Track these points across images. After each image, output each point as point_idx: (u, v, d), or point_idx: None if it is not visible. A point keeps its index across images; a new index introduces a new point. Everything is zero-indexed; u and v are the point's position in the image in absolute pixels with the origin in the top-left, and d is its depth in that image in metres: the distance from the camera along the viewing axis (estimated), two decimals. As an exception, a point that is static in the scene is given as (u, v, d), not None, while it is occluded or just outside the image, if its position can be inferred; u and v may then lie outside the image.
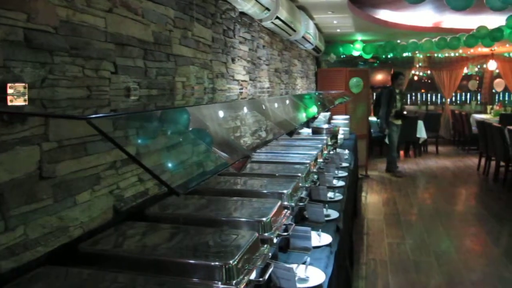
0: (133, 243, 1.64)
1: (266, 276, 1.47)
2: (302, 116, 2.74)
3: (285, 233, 1.84)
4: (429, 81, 14.31)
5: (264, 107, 1.99)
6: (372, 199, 6.99)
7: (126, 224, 1.80)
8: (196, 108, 1.33)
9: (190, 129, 1.12)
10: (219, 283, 1.34)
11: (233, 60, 3.32)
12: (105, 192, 1.78)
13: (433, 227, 5.59)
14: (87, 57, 1.64)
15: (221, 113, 1.46)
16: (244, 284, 1.36)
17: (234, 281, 1.34)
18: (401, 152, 11.00)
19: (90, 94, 1.67)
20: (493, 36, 7.91)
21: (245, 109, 1.83)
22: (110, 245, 1.60)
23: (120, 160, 1.84)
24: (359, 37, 9.59)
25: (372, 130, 9.68)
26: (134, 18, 1.93)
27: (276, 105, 2.28)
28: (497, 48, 11.54)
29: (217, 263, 1.36)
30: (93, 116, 0.88)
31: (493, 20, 7.88)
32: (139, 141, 1.10)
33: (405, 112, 9.97)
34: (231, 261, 1.35)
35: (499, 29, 7.84)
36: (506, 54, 12.88)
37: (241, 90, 3.51)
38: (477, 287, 3.93)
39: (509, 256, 4.60)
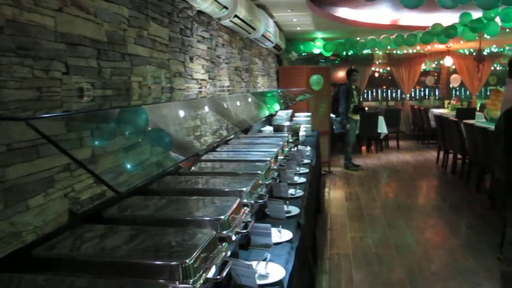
0: (91, 246, 1.62)
1: (224, 274, 1.47)
2: (259, 114, 2.75)
3: (244, 231, 1.84)
4: (389, 77, 14.60)
5: (218, 106, 1.99)
6: (335, 194, 7.09)
7: (83, 227, 1.77)
8: (148, 108, 1.32)
9: (139, 128, 1.11)
10: (176, 282, 1.34)
11: (191, 59, 3.30)
12: (60, 195, 1.74)
13: (395, 220, 5.72)
14: (36, 57, 1.60)
15: (173, 112, 1.45)
16: (201, 282, 1.36)
17: (191, 280, 1.34)
18: (363, 148, 11.20)
19: (40, 96, 1.63)
20: (448, 33, 8.14)
21: (199, 108, 1.82)
22: (66, 249, 1.57)
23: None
24: (319, 35, 9.69)
25: (334, 127, 9.81)
26: (85, 17, 1.89)
27: (231, 103, 2.28)
28: (453, 45, 11.89)
29: (173, 262, 1.35)
30: (32, 117, 0.86)
31: (448, 18, 8.12)
32: (89, 141, 1.08)
33: (366, 108, 10.17)
34: (187, 260, 1.35)
35: (453, 27, 8.08)
36: (461, 51, 13.28)
37: (200, 89, 3.49)
38: (436, 277, 4.04)
39: (467, 246, 4.75)
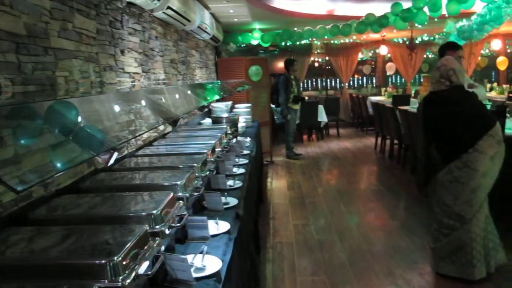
0: (17, 249, 1.54)
1: (155, 269, 1.45)
2: (189, 105, 2.72)
3: (178, 224, 1.82)
4: (328, 67, 14.88)
5: (144, 98, 1.94)
6: (277, 184, 7.17)
7: (8, 230, 1.68)
8: (68, 102, 1.27)
9: (49, 124, 1.06)
10: (105, 281, 1.31)
11: (122, 52, 3.21)
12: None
13: (336, 206, 5.85)
14: None
15: (90, 106, 1.40)
16: (132, 279, 1.33)
17: (120, 277, 1.31)
18: (304, 137, 11.37)
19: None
20: (380, 22, 8.38)
21: (121, 101, 1.77)
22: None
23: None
24: (257, 25, 9.72)
25: (275, 117, 9.90)
26: (0, 9, 1.79)
27: (158, 95, 2.24)
28: (387, 34, 12.25)
29: (101, 261, 1.32)
30: None
31: (381, 8, 8.35)
32: None
33: (306, 98, 10.32)
34: (115, 258, 1.31)
35: (385, 16, 8.33)
36: (395, 40, 13.73)
37: (134, 83, 3.41)
38: (376, 258, 4.17)
39: (404, 228, 4.93)
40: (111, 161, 1.24)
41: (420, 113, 3.89)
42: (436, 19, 8.40)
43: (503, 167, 3.58)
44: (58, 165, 0.97)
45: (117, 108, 1.62)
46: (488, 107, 4.50)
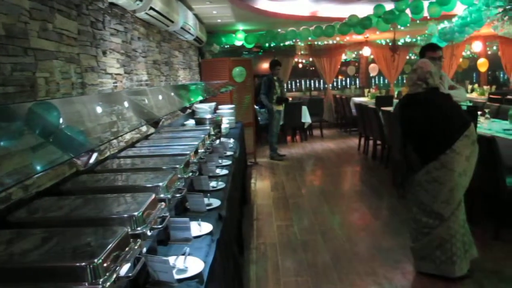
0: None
1: (136, 271, 1.44)
2: (171, 106, 2.72)
3: (160, 226, 1.82)
4: (312, 68, 14.94)
5: (127, 100, 1.93)
6: (261, 185, 7.18)
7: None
8: (46, 103, 1.26)
9: (32, 126, 1.05)
10: (85, 283, 1.30)
11: (104, 53, 3.19)
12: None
13: (319, 207, 5.88)
14: None
15: (73, 108, 1.39)
16: (112, 281, 1.32)
17: (101, 280, 1.30)
18: (288, 138, 11.40)
19: None
20: (363, 24, 8.45)
21: (106, 103, 1.76)
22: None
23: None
24: (240, 27, 9.72)
25: (259, 118, 9.91)
26: (-22, 10, 1.77)
27: (141, 97, 2.23)
28: (370, 36, 12.36)
29: (81, 263, 1.31)
30: None
31: (364, 10, 8.42)
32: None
33: (290, 99, 10.34)
34: (95, 260, 1.30)
35: (368, 18, 8.40)
36: (378, 41, 13.85)
37: (116, 84, 3.39)
38: (359, 258, 4.20)
39: (387, 228, 4.99)
40: (90, 163, 1.23)
41: (396, 115, 3.94)
42: (418, 21, 8.50)
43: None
44: (34, 167, 0.96)
45: (97, 109, 1.61)
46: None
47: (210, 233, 2.37)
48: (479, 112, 6.36)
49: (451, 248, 3.56)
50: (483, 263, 3.84)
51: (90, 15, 2.97)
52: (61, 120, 1.13)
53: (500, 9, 5.97)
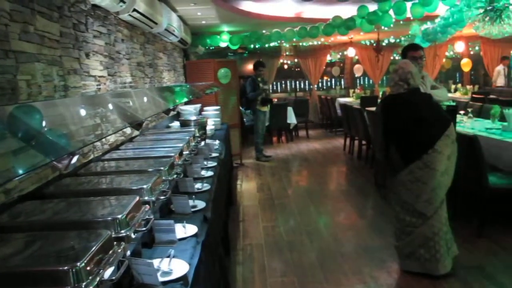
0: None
1: (119, 274, 1.44)
2: (157, 108, 2.71)
3: (144, 228, 1.81)
4: (298, 69, 14.98)
5: (109, 102, 1.92)
6: (247, 186, 7.18)
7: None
8: (27, 106, 1.25)
9: (11, 129, 1.04)
10: (69, 287, 1.29)
11: (87, 55, 3.17)
12: None
13: (305, 207, 5.90)
14: None
15: (56, 111, 1.38)
16: (95, 284, 1.31)
17: (84, 283, 1.29)
18: (274, 139, 11.42)
19: None
20: (347, 25, 8.51)
21: (89, 105, 1.75)
22: None
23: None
24: (225, 28, 9.71)
25: (244, 119, 9.91)
26: (-43, 12, 1.75)
27: (124, 99, 2.22)
28: (354, 36, 12.43)
29: (64, 267, 1.30)
30: None
31: (347, 11, 8.47)
32: None
33: (275, 100, 10.35)
34: (78, 264, 1.30)
35: (352, 19, 8.46)
36: (362, 42, 13.94)
37: (99, 87, 3.37)
38: (345, 258, 4.22)
39: (373, 227, 5.02)
40: (71, 165, 1.22)
41: (379, 115, 3.98)
42: (401, 22, 8.59)
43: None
44: (15, 170, 0.95)
45: (80, 111, 1.60)
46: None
47: (195, 235, 2.37)
48: (462, 112, 6.46)
49: (435, 246, 3.60)
50: (467, 260, 3.89)
51: (72, 17, 2.95)
52: (43, 123, 1.12)
53: (481, 10, 6.05)
